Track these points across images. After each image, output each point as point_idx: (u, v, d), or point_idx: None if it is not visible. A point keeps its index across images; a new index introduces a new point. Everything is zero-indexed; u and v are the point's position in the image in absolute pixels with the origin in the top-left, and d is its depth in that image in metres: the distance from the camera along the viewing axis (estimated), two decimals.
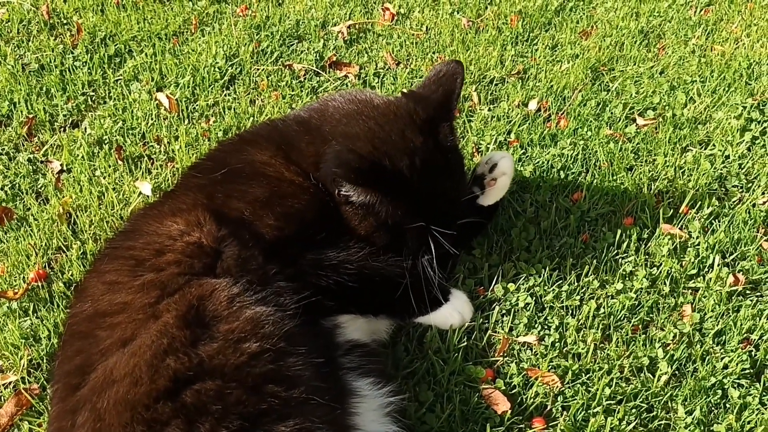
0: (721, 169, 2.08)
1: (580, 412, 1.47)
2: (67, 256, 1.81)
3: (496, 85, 2.45)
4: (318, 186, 1.50)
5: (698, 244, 1.82)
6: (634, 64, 2.56)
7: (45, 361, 1.58)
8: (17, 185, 2.03)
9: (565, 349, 1.60)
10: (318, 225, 1.46)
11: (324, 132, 1.52)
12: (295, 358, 1.21)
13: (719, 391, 1.52)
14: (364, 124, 1.50)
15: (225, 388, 1.13)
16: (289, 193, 1.46)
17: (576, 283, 1.73)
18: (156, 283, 1.28)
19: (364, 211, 1.48)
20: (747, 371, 1.55)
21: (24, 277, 1.76)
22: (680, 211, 1.93)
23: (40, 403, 1.50)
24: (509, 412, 1.45)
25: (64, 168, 2.10)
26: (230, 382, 1.14)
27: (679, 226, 1.89)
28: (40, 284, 1.73)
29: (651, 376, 1.55)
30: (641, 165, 2.10)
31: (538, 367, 1.55)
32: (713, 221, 1.91)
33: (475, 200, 1.76)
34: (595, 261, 1.76)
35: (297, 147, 1.54)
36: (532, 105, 2.33)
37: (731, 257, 1.81)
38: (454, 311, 1.59)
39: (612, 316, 1.66)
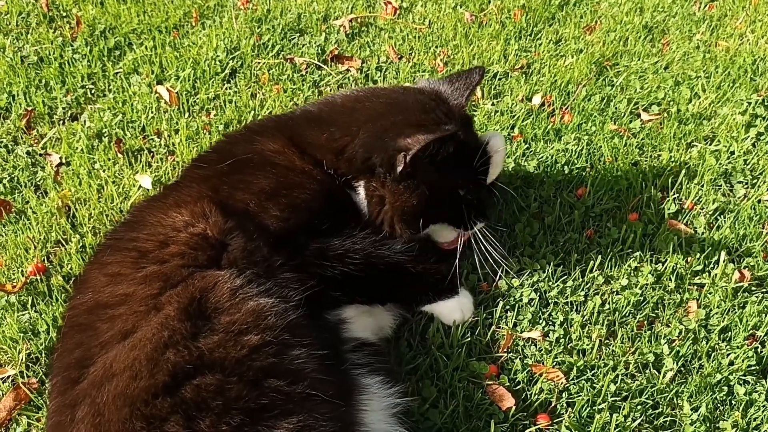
0: (727, 165, 2.06)
1: (585, 409, 1.46)
2: (65, 249, 1.79)
3: (499, 79, 2.43)
4: (331, 175, 1.49)
5: (703, 240, 1.81)
6: (639, 60, 2.55)
7: (43, 355, 1.56)
8: (16, 178, 2.01)
9: (570, 345, 1.58)
10: (324, 215, 1.44)
11: (357, 119, 1.52)
12: (299, 351, 1.19)
13: (725, 388, 1.50)
14: (397, 104, 1.54)
15: (225, 383, 1.11)
16: (296, 183, 1.45)
17: (581, 279, 1.71)
18: (159, 275, 1.26)
19: (420, 176, 1.46)
20: (753, 368, 1.53)
21: (22, 271, 1.74)
22: (685, 207, 1.91)
23: (39, 398, 1.49)
24: (513, 408, 1.44)
25: (63, 161, 2.08)
26: (231, 376, 1.12)
27: (685, 221, 1.87)
28: (38, 278, 1.71)
29: (656, 373, 1.54)
30: (646, 160, 2.09)
31: (543, 363, 1.54)
32: (718, 217, 1.89)
33: None
34: (599, 257, 1.74)
35: (313, 139, 1.53)
36: (536, 100, 2.32)
37: (737, 253, 1.79)
38: (459, 306, 1.58)
39: (617, 312, 1.65)
